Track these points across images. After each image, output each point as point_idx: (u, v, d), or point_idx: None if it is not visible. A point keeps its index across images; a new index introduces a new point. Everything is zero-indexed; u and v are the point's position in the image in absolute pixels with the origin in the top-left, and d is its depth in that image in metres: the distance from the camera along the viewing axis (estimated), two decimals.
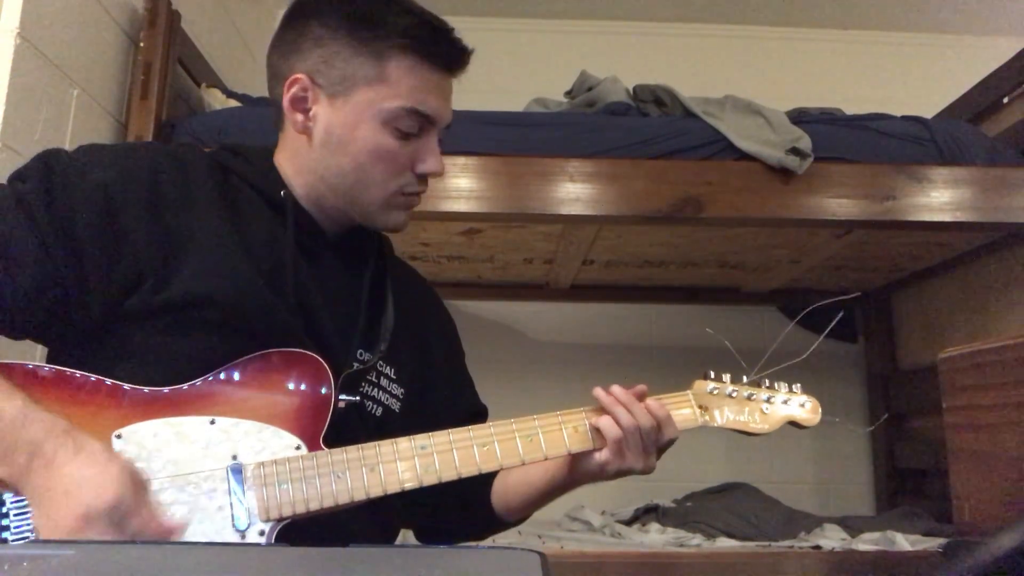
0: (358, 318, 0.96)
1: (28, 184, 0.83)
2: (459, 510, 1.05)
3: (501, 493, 1.05)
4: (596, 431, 0.94)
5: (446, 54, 0.93)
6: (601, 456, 0.94)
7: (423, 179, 0.97)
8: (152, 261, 0.83)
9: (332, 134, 0.93)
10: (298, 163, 0.96)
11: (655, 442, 0.94)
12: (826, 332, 1.19)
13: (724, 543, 1.94)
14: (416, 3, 0.95)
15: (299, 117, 0.93)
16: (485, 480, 1.05)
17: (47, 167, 0.84)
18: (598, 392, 0.95)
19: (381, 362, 0.97)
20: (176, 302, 0.83)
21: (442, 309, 1.16)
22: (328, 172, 0.94)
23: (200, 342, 0.84)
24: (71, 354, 0.84)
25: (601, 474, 0.95)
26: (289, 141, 0.97)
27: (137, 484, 0.73)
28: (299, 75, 0.92)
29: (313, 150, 0.94)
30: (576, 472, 0.98)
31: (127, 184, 0.85)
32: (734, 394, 1.03)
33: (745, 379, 1.05)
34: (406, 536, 1.23)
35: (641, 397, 0.96)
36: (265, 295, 0.86)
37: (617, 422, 0.93)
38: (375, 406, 0.96)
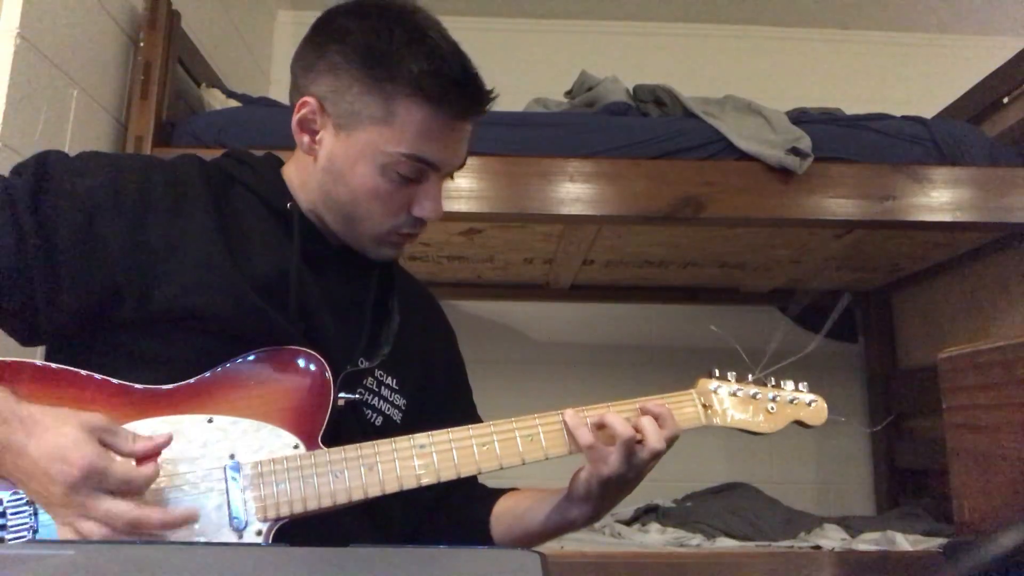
0: (362, 328, 0.96)
1: (20, 180, 0.83)
2: (454, 528, 1.02)
3: (501, 519, 1.02)
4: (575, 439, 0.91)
5: (458, 104, 0.90)
6: (609, 463, 0.90)
7: (419, 221, 0.95)
8: (129, 275, 0.83)
9: (334, 163, 0.92)
10: (304, 179, 0.96)
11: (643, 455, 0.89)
12: (828, 325, 1.18)
13: (724, 543, 1.94)
14: (442, 44, 0.90)
15: (306, 139, 0.93)
16: (484, 503, 1.03)
17: (41, 167, 0.84)
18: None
19: (383, 372, 0.96)
20: (164, 315, 0.83)
21: (444, 321, 1.15)
22: (327, 196, 0.94)
23: (196, 346, 0.84)
24: (67, 354, 0.84)
25: (596, 482, 0.91)
26: (300, 156, 0.97)
27: (95, 430, 0.73)
28: (308, 99, 0.91)
29: (317, 172, 0.94)
30: (573, 495, 0.93)
31: (115, 195, 0.85)
32: (739, 393, 1.01)
33: (750, 378, 1.03)
34: None
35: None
36: (257, 306, 0.85)
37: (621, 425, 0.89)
38: (375, 415, 0.95)
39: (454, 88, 0.89)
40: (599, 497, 0.92)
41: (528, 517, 0.99)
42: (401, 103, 0.88)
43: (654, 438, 0.89)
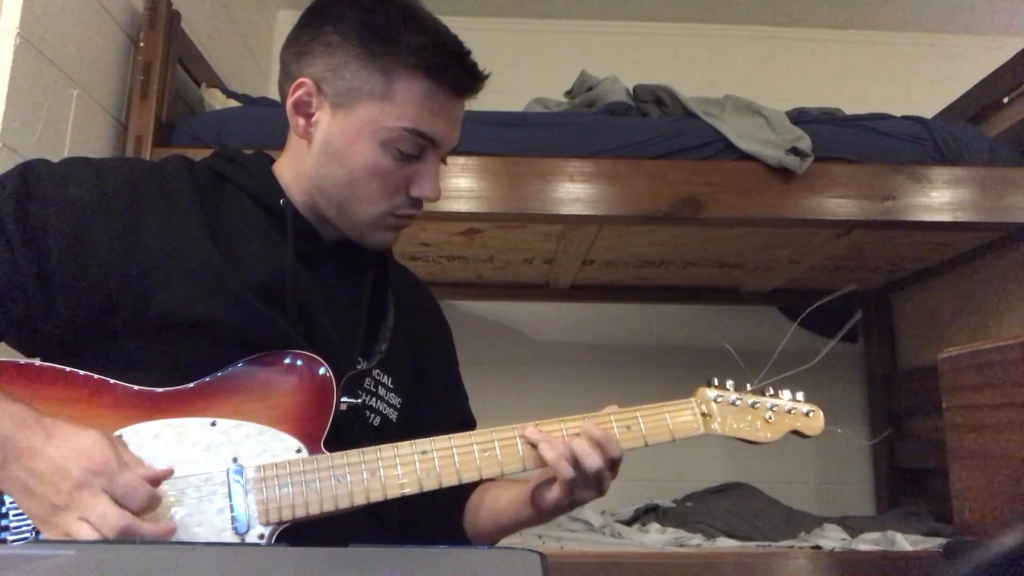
0: (359, 326, 0.96)
1: (4, 192, 0.82)
2: (430, 526, 1.02)
3: (472, 516, 1.03)
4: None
5: (457, 79, 0.91)
6: (554, 492, 0.90)
7: (417, 202, 0.95)
8: (122, 282, 0.82)
9: (331, 144, 0.91)
10: (297, 169, 0.95)
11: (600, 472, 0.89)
12: (839, 336, 1.17)
13: (724, 543, 1.94)
14: (437, 23, 0.92)
15: (301, 121, 0.93)
16: (457, 500, 1.03)
17: (24, 178, 0.83)
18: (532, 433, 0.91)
19: (379, 371, 0.96)
20: (162, 322, 0.82)
21: (440, 316, 1.14)
22: (323, 181, 0.93)
23: (195, 351, 0.84)
24: (63, 361, 0.83)
25: (557, 509, 0.92)
26: (293, 145, 0.96)
27: (115, 442, 0.75)
28: (304, 80, 0.91)
29: (311, 156, 0.93)
30: (539, 505, 0.94)
31: (103, 202, 0.84)
32: (738, 402, 1.01)
33: (749, 387, 1.03)
34: None
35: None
36: (258, 310, 0.85)
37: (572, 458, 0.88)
38: (374, 416, 0.95)
39: (453, 61, 0.90)
40: (566, 509, 0.93)
41: (495, 518, 1.00)
42: (402, 76, 0.89)
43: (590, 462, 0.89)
